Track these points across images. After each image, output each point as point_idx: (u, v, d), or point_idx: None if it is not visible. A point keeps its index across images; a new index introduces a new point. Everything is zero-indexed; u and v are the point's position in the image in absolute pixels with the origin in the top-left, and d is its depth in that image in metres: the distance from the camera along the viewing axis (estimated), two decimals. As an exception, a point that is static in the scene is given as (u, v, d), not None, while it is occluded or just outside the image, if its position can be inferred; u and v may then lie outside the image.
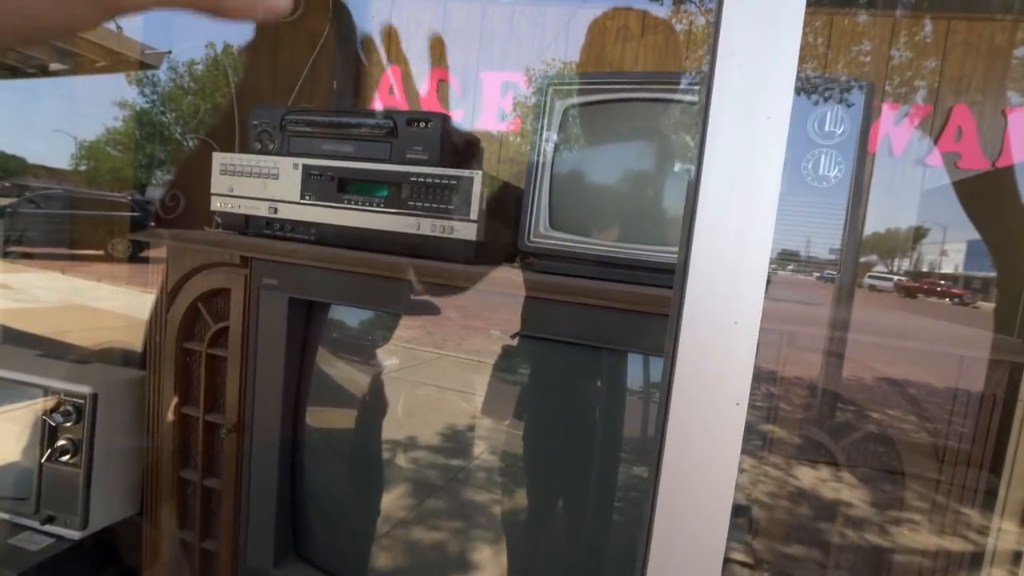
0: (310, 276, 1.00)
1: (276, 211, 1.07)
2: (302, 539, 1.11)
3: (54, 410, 1.18)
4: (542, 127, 0.95)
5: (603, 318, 0.85)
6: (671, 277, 0.42)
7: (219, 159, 1.09)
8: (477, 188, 0.94)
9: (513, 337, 1.01)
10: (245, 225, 1.11)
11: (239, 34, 1.83)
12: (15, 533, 1.21)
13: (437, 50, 1.73)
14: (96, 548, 1.24)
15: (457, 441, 1.47)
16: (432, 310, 1.03)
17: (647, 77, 0.93)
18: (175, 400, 1.10)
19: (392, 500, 1.27)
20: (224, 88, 1.90)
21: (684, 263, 0.42)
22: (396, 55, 1.76)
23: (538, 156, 0.96)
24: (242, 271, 1.03)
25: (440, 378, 1.26)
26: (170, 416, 1.11)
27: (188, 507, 1.13)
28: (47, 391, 1.22)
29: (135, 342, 1.61)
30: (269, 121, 1.10)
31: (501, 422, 1.21)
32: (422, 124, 1.01)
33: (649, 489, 0.44)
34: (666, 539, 0.45)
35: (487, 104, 1.69)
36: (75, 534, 1.20)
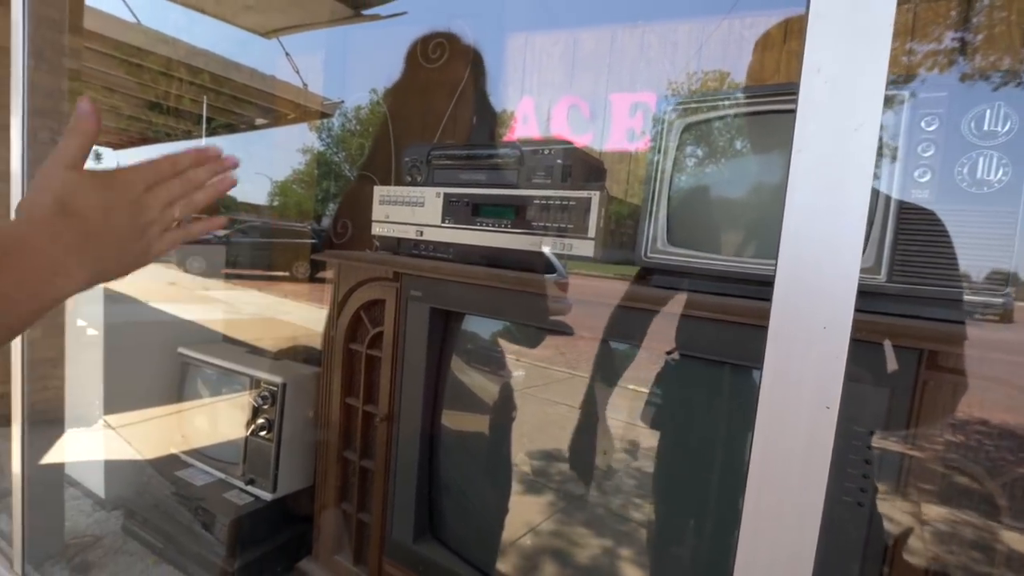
0: (447, 289, 1.15)
1: (422, 234, 1.25)
2: (437, 522, 1.25)
3: (257, 394, 1.48)
4: (660, 145, 0.99)
5: (727, 333, 0.85)
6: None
7: (379, 191, 1.31)
8: (595, 207, 1.01)
9: (669, 353, 1.04)
10: (397, 246, 1.31)
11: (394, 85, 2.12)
12: (227, 490, 1.53)
13: (567, 78, 1.84)
14: (282, 509, 1.52)
15: (584, 457, 1.52)
16: (555, 314, 1.11)
17: (765, 90, 0.92)
18: (341, 391, 1.32)
19: (519, 504, 1.36)
20: (384, 131, 2.20)
21: (776, 270, 0.44)
22: (529, 87, 1.91)
23: (656, 173, 0.99)
24: (394, 284, 1.21)
25: (568, 396, 1.33)
26: (337, 405, 1.33)
27: (349, 483, 1.34)
28: (252, 379, 1.54)
29: (312, 346, 1.93)
30: (417, 157, 1.29)
31: (637, 437, 1.24)
32: (546, 151, 1.11)
33: (741, 495, 0.46)
34: (754, 545, 0.46)
35: (616, 125, 1.75)
36: (267, 496, 1.48)
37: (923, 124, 0.79)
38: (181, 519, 1.52)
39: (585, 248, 1.02)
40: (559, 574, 1.32)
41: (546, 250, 1.07)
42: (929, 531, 0.84)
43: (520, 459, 1.34)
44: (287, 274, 7.43)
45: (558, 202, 1.04)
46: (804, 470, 0.43)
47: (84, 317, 2.41)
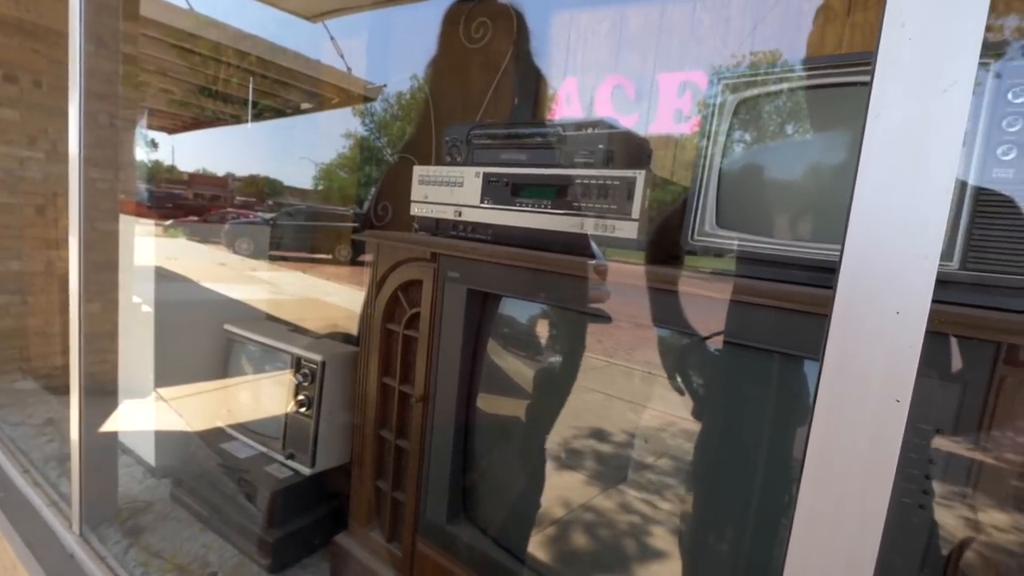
0: (485, 270, 1.13)
1: (460, 214, 1.23)
2: (471, 504, 1.25)
3: (298, 371, 1.52)
4: (711, 123, 0.94)
5: (778, 320, 0.81)
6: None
7: (418, 171, 1.30)
8: (639, 187, 0.97)
9: (708, 340, 1.01)
10: (436, 227, 1.30)
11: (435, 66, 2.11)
12: (268, 463, 1.59)
13: (613, 57, 1.78)
14: (320, 484, 1.56)
15: (619, 445, 1.49)
16: (595, 300, 1.08)
17: (828, 61, 0.85)
18: (378, 371, 1.33)
19: (553, 490, 1.35)
20: (425, 112, 2.19)
21: (841, 250, 0.41)
22: (573, 66, 1.86)
23: (706, 152, 0.95)
24: (431, 265, 1.21)
25: (604, 384, 1.30)
26: (374, 384, 1.34)
27: (384, 461, 1.36)
28: (293, 357, 1.57)
29: (351, 327, 1.97)
30: (457, 136, 1.28)
31: (676, 427, 1.20)
32: (589, 131, 1.07)
33: (786, 492, 0.43)
34: (806, 549, 0.43)
35: (663, 106, 1.69)
36: (306, 470, 1.52)
37: (1010, 96, 0.71)
38: (225, 490, 1.59)
39: (628, 230, 0.98)
40: (591, 561, 1.31)
41: (587, 232, 1.04)
42: (995, 541, 0.78)
43: (555, 445, 1.33)
44: (330, 256, 7.63)
45: (601, 182, 1.01)
46: (868, 468, 0.40)
47: (138, 294, 2.53)
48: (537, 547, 1.36)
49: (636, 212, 0.97)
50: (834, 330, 0.42)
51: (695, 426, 1.11)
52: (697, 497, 1.17)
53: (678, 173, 1.69)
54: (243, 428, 1.71)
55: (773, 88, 0.90)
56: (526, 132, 1.16)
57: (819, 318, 0.76)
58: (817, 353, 0.80)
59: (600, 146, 1.05)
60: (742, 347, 0.90)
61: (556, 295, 1.09)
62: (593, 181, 1.02)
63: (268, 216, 8.97)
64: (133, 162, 3.26)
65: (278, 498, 1.47)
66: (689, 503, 1.22)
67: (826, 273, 0.79)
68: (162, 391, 2.18)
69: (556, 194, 1.08)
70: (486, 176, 1.18)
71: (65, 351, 1.65)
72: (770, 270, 0.86)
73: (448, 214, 1.26)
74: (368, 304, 1.35)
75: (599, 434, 1.51)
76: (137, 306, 2.53)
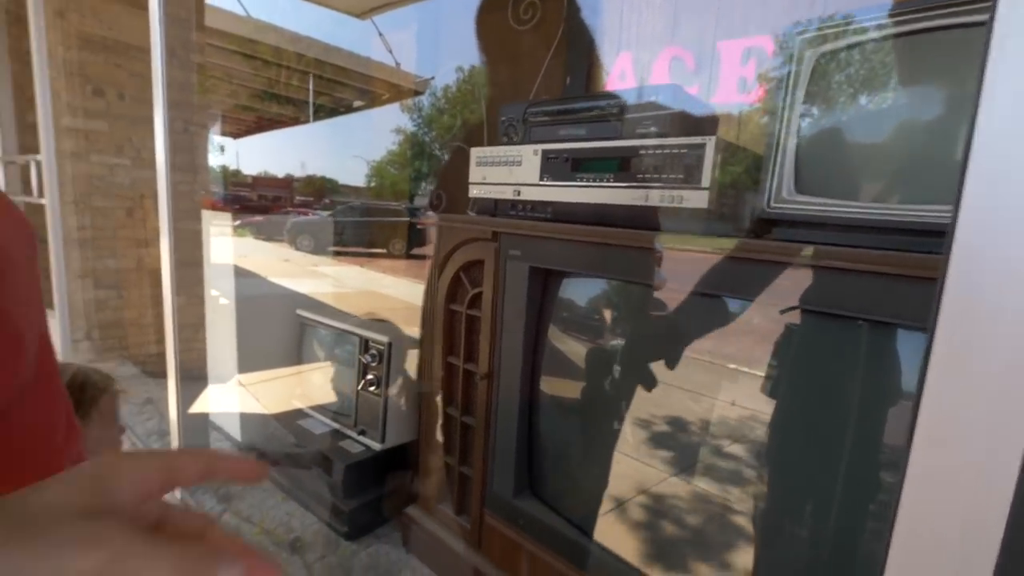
0: (547, 247, 1.13)
1: (519, 193, 1.24)
2: (537, 480, 1.27)
3: (365, 352, 1.58)
4: (787, 82, 0.89)
5: (868, 286, 0.76)
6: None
7: (476, 152, 1.31)
8: (709, 155, 0.94)
9: (785, 312, 0.98)
10: (494, 208, 1.31)
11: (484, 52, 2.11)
12: (342, 439, 1.66)
13: (669, 27, 1.72)
14: (391, 459, 1.62)
15: (688, 425, 1.46)
16: (657, 276, 1.06)
17: (919, 3, 0.78)
18: (443, 350, 1.37)
19: (619, 470, 1.34)
20: (472, 104, 2.20)
21: (955, 209, 0.38)
22: (627, 40, 1.81)
23: (782, 115, 0.90)
24: (492, 244, 1.22)
25: (670, 375, 1.28)
26: (439, 363, 1.38)
27: (451, 437, 1.40)
28: (361, 339, 1.64)
29: (410, 315, 2.03)
30: (514, 116, 1.28)
31: (750, 407, 1.17)
32: (652, 98, 1.04)
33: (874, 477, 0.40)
34: (909, 546, 0.40)
35: (725, 76, 1.62)
36: (377, 446, 1.59)
37: None
38: (303, 462, 1.68)
39: (697, 199, 0.96)
40: (658, 539, 1.30)
41: (652, 204, 1.02)
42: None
43: (620, 425, 1.32)
44: (384, 251, 7.88)
45: (667, 151, 0.98)
46: (987, 460, 0.36)
47: (218, 289, 2.70)
48: (603, 524, 1.36)
49: (706, 180, 0.95)
50: (948, 296, 0.39)
51: (764, 411, 1.08)
52: (773, 479, 1.13)
53: (744, 144, 1.62)
54: (317, 407, 1.80)
55: (860, 39, 0.84)
56: (584, 106, 1.15)
57: (916, 283, 0.72)
58: (913, 320, 0.75)
59: (665, 114, 1.03)
60: (825, 316, 0.86)
61: (620, 269, 1.08)
62: (659, 151, 0.99)
63: (325, 214, 9.37)
64: (206, 165, 3.47)
65: (352, 471, 1.54)
66: (763, 486, 1.18)
67: (921, 236, 0.74)
68: (243, 377, 2.33)
69: (619, 167, 1.06)
70: (545, 153, 1.18)
71: (158, 340, 1.80)
72: (855, 236, 0.81)
73: (507, 194, 1.27)
74: (431, 286, 1.39)
75: (665, 418, 1.49)
76: (215, 299, 2.71)
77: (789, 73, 0.89)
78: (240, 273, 3.57)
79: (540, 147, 1.19)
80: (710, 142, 0.94)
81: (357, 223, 8.29)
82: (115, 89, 3.10)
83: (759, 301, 1.05)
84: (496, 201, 1.30)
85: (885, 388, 0.87)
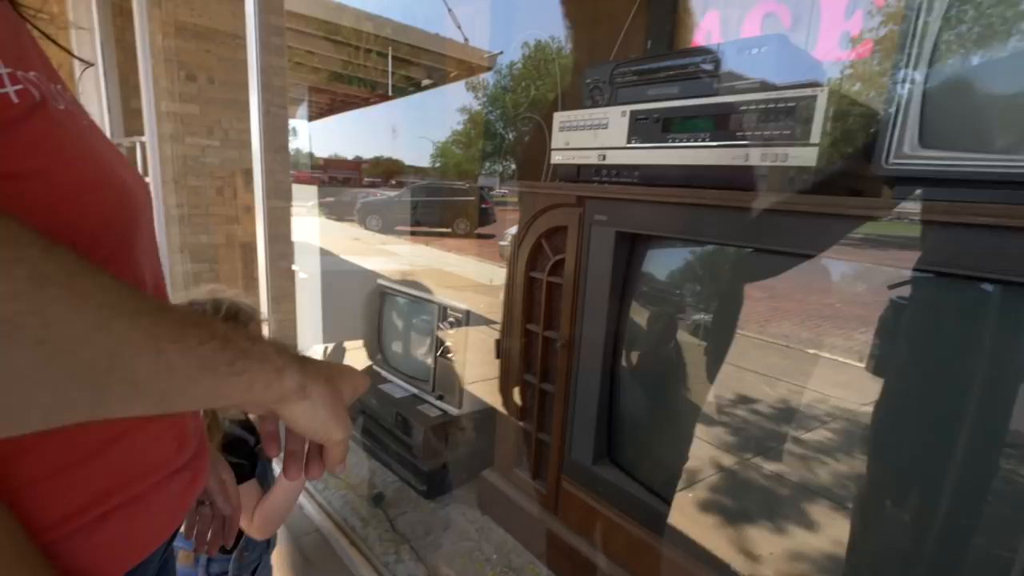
0: (635, 211, 1.10)
1: (604, 158, 1.21)
2: (616, 447, 1.26)
3: (444, 318, 1.62)
4: (912, 25, 0.81)
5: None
6: None
7: (559, 117, 1.29)
8: (820, 107, 0.87)
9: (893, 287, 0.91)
10: (577, 174, 1.29)
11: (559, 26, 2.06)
12: (420, 403, 1.72)
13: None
14: (467, 424, 1.67)
15: (780, 399, 1.40)
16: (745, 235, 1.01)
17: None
18: (522, 317, 1.38)
19: (703, 443, 1.31)
20: (538, 80, 2.16)
21: None
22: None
23: (906, 60, 0.82)
24: (577, 210, 1.21)
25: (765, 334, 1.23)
26: (518, 330, 1.39)
27: (528, 404, 1.41)
28: (440, 307, 1.68)
29: (476, 292, 2.05)
30: (599, 77, 1.24)
31: (851, 383, 1.11)
32: (753, 51, 0.98)
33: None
34: None
35: (826, 32, 1.50)
36: (454, 411, 1.63)
37: None
38: (385, 424, 1.76)
39: (805, 157, 0.89)
40: (740, 513, 1.26)
41: (752, 163, 0.96)
42: None
43: (702, 399, 1.28)
44: (449, 230, 8.01)
45: (772, 105, 0.92)
46: None
47: (301, 265, 2.86)
48: (682, 497, 1.34)
49: (816, 135, 0.88)
50: None
51: (849, 397, 1.01)
52: (879, 462, 1.06)
53: (847, 105, 1.50)
54: (397, 372, 1.87)
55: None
56: (677, 63, 1.10)
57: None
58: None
59: (768, 65, 0.96)
60: (947, 277, 0.79)
61: (713, 232, 1.03)
62: (763, 105, 0.93)
63: (393, 194, 9.63)
64: (287, 145, 3.64)
65: (430, 434, 1.59)
66: (861, 469, 1.12)
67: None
68: (327, 346, 2.46)
69: (715, 125, 1.01)
70: (634, 114, 1.14)
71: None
72: (989, 192, 0.73)
73: (591, 159, 1.24)
74: (513, 253, 1.39)
75: (749, 398, 1.44)
76: (295, 273, 2.86)
77: (915, 18, 0.81)
78: (317, 251, 3.74)
79: (628, 108, 1.15)
80: (822, 93, 0.87)
81: (423, 203, 8.47)
82: (205, 74, 3.30)
83: (864, 269, 0.98)
84: (579, 167, 1.28)
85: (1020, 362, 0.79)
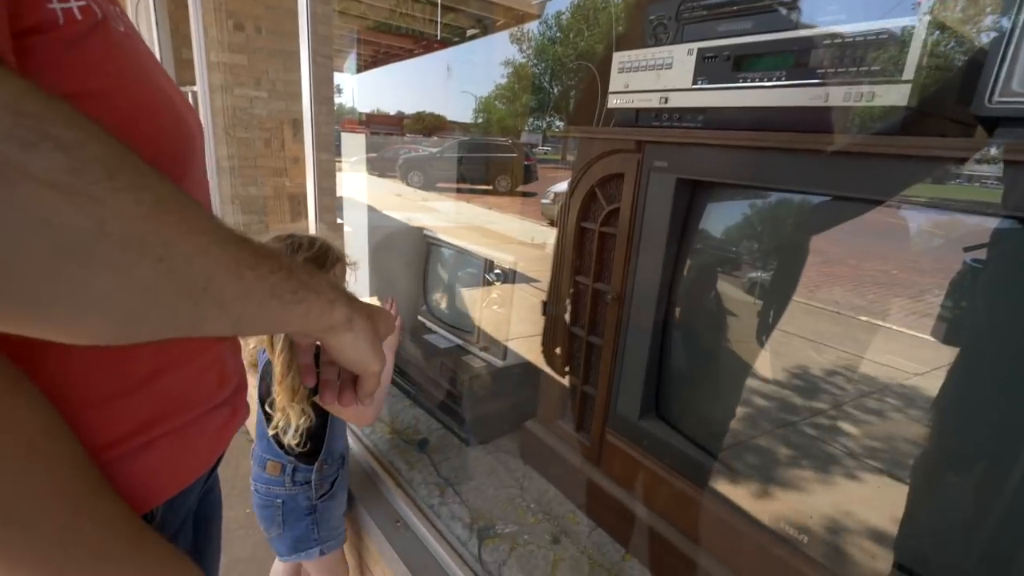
0: (700, 157, 1.04)
1: (666, 101, 1.14)
2: (663, 402, 1.24)
3: (490, 271, 1.61)
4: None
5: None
6: None
7: (619, 58, 1.22)
8: (919, 39, 0.78)
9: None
10: (635, 119, 1.22)
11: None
12: (465, 354, 1.74)
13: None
14: (511, 375, 1.68)
15: (836, 364, 1.34)
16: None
17: None
18: (571, 269, 1.35)
19: (756, 405, 1.28)
20: (586, 32, 2.04)
21: None
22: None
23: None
24: (635, 156, 1.15)
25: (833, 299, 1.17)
26: (567, 282, 1.37)
27: (575, 357, 1.40)
28: (486, 260, 1.67)
29: (518, 250, 2.02)
30: (664, 13, 1.16)
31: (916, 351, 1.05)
32: (844, -25, 0.88)
33: None
34: None
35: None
36: (498, 362, 1.65)
37: None
38: (429, 373, 1.80)
39: (895, 95, 0.81)
40: (784, 475, 1.24)
41: (833, 104, 0.88)
42: None
43: (757, 358, 1.24)
44: (490, 188, 7.94)
45: (861, 38, 0.83)
46: None
47: (347, 220, 2.89)
48: (728, 454, 1.32)
49: (910, 71, 0.79)
50: None
51: (914, 364, 0.94)
52: (945, 428, 1.01)
53: (945, 37, 1.37)
54: (441, 323, 1.89)
55: None
56: (754, -7, 1.00)
57: None
58: None
59: (859, -9, 0.86)
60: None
61: (782, 178, 0.96)
62: (850, 38, 0.85)
63: (434, 151, 9.57)
64: (332, 97, 3.63)
65: (474, 384, 1.62)
66: (915, 436, 1.07)
67: None
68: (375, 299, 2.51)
69: (794, 62, 0.93)
70: (701, 52, 1.06)
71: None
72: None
73: (652, 102, 1.17)
74: (564, 202, 1.35)
75: (801, 360, 1.38)
76: (348, 227, 2.90)
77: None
78: (364, 206, 3.78)
79: (696, 46, 1.07)
80: (921, 22, 0.78)
81: (465, 159, 8.39)
82: (253, 23, 3.29)
83: (928, 234, 0.90)
84: (638, 112, 1.21)
85: None
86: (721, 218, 1.17)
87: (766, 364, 1.31)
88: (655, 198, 1.13)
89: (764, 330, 1.21)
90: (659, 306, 1.18)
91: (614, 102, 1.25)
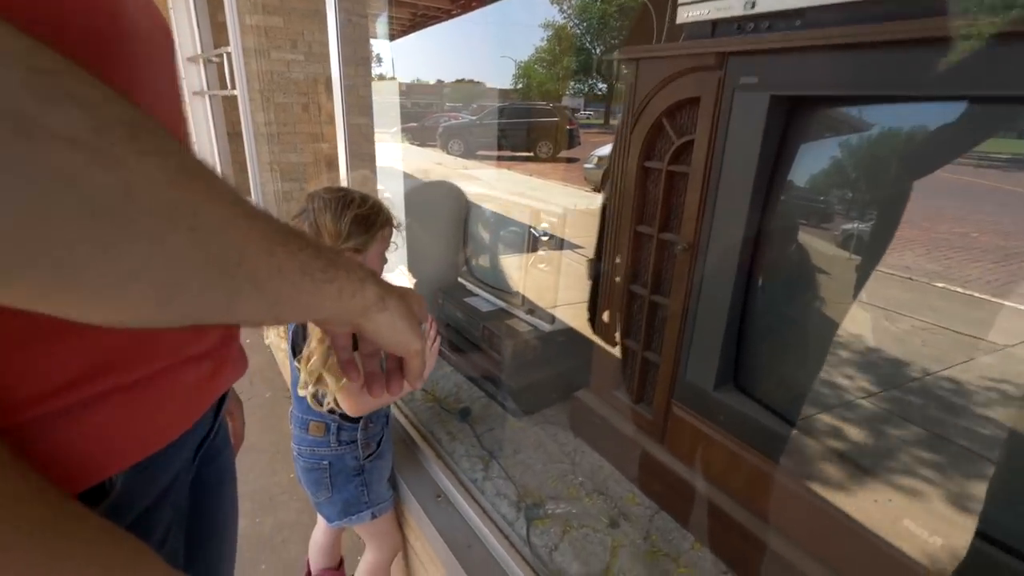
0: (801, 65, 0.83)
1: (753, 5, 0.93)
2: (744, 371, 1.06)
3: (535, 226, 1.44)
4: None
5: None
6: None
7: (694, -43, 1.00)
8: None
9: None
10: (712, 33, 1.01)
11: None
12: (509, 318, 1.60)
13: None
14: (560, 341, 1.53)
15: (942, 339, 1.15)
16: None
17: None
18: (632, 218, 1.17)
19: (846, 376, 1.09)
20: None
21: None
22: None
23: None
24: (716, 73, 0.95)
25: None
26: (626, 234, 1.19)
27: (634, 319, 1.23)
28: (533, 211, 1.50)
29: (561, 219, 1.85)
30: None
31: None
32: None
33: None
34: None
35: None
36: (546, 326, 1.49)
37: None
38: (470, 338, 1.67)
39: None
40: (901, 466, 1.05)
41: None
42: None
43: (852, 318, 1.04)
44: (531, 154, 7.67)
45: None
46: None
47: (383, 186, 2.77)
48: (820, 428, 1.13)
49: None
50: None
51: (1000, 334, 0.73)
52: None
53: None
54: (484, 285, 1.75)
55: None
56: None
57: None
58: None
59: None
60: None
61: (912, 82, 0.75)
62: None
63: (474, 118, 9.34)
64: (368, 58, 3.49)
65: (519, 348, 1.48)
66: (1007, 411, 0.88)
67: None
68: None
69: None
70: (805, -67, 0.84)
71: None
72: None
73: (734, 9, 0.96)
74: (621, 142, 1.16)
75: (876, 329, 1.19)
76: (380, 194, 2.79)
77: None
78: (401, 175, 3.66)
79: (798, -75, 0.85)
80: None
81: (505, 126, 8.14)
82: (287, -19, 3.17)
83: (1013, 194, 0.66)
84: (714, 24, 1.00)
85: None
86: (825, 148, 0.96)
87: (867, 329, 1.11)
88: (741, 125, 0.93)
89: (859, 288, 1.01)
90: (742, 258, 0.99)
91: (685, 15, 1.04)
